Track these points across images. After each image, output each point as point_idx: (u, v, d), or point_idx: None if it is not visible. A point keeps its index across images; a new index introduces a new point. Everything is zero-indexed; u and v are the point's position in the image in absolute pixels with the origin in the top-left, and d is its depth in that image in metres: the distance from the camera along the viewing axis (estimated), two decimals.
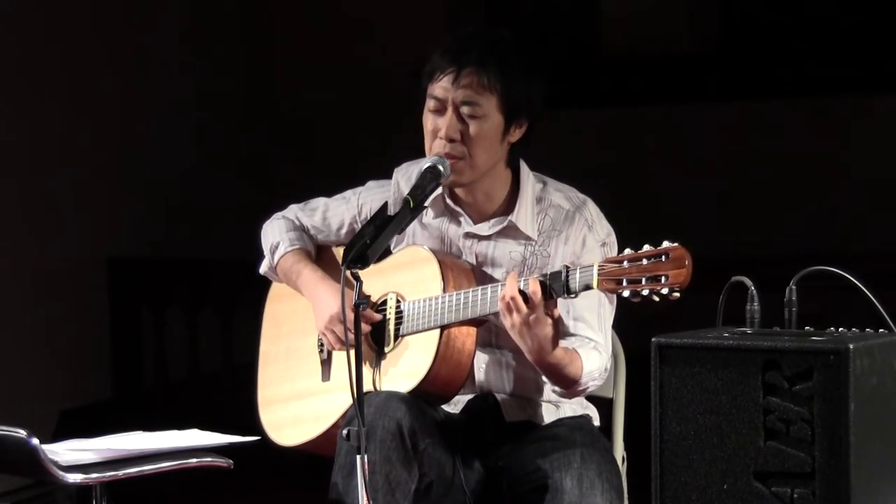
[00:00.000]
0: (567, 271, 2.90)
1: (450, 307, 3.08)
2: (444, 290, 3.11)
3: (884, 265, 5.14)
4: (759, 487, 2.65)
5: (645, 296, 2.79)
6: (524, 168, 3.22)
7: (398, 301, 3.19)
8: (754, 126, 6.96)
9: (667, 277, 2.76)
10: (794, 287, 2.79)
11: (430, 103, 3.15)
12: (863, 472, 2.57)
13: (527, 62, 3.15)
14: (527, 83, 3.13)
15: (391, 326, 3.18)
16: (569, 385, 3.06)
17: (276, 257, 3.39)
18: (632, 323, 3.26)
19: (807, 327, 2.77)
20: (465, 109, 3.11)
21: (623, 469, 3.21)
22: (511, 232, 3.18)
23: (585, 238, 3.15)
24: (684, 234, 3.01)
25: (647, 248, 2.81)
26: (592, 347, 3.10)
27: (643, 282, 2.78)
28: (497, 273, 3.18)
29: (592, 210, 3.19)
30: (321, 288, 3.29)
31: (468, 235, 3.21)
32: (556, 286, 2.90)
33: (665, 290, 2.76)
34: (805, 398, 2.60)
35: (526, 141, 3.18)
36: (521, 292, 2.92)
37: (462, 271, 3.17)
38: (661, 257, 2.78)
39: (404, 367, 3.13)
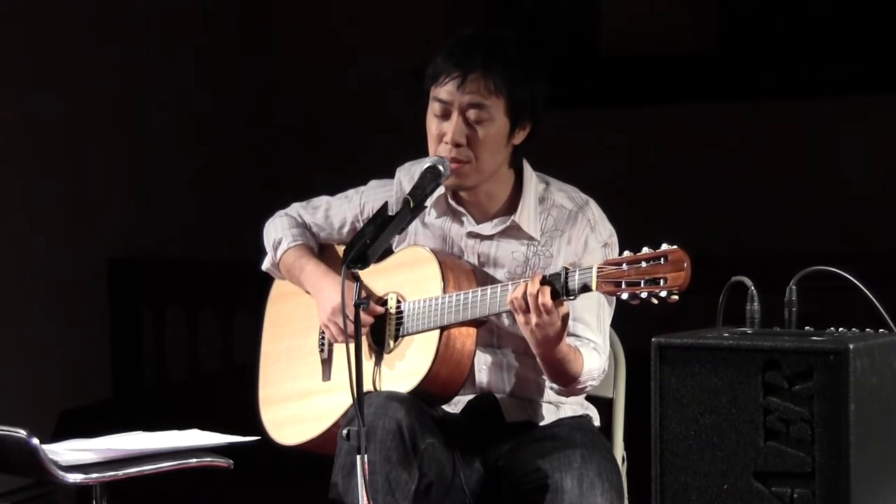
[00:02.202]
0: (566, 273, 2.89)
1: (450, 307, 3.07)
2: (445, 291, 3.10)
3: (884, 265, 5.13)
4: (759, 487, 2.65)
5: (644, 298, 2.78)
6: (527, 168, 3.22)
7: (398, 301, 3.19)
8: (754, 126, 6.95)
9: (665, 280, 2.75)
10: (794, 287, 2.79)
11: (434, 107, 3.12)
12: (863, 472, 2.57)
13: (530, 64, 3.12)
14: (531, 85, 3.11)
15: (391, 327, 3.18)
16: (568, 382, 3.06)
17: (280, 253, 3.39)
18: (632, 323, 3.26)
19: (807, 327, 2.77)
20: (471, 114, 3.08)
21: (623, 469, 3.20)
22: (514, 232, 3.18)
23: (588, 239, 3.14)
24: (685, 234, 3.01)
25: (646, 250, 2.80)
26: (592, 348, 3.10)
27: (642, 284, 2.77)
28: (499, 273, 3.18)
29: (595, 211, 3.18)
30: (325, 282, 3.28)
31: (471, 235, 3.20)
32: (555, 287, 2.89)
33: (664, 294, 2.75)
34: (805, 398, 2.60)
35: (529, 142, 3.17)
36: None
37: (462, 272, 3.16)
38: (659, 260, 2.77)
39: (404, 368, 3.12)
